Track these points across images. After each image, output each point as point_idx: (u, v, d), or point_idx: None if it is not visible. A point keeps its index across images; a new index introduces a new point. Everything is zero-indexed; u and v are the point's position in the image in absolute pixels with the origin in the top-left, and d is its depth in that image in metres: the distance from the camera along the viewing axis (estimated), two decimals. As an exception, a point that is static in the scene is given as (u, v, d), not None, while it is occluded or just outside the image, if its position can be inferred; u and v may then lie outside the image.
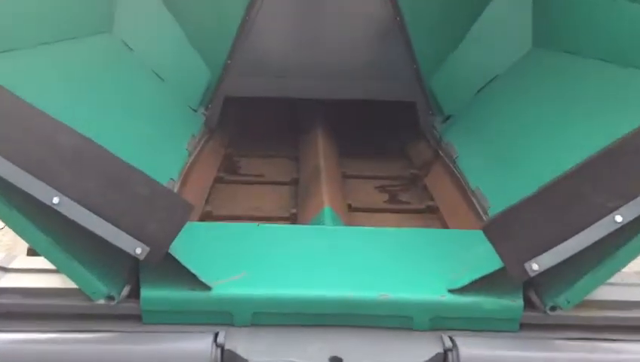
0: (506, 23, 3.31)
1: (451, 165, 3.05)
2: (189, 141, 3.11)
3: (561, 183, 1.70)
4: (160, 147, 2.79)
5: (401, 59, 3.50)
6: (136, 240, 1.64)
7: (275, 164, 3.54)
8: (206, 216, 2.82)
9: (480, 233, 2.19)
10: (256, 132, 3.96)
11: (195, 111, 3.51)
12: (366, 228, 2.39)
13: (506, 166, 2.66)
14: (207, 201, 2.96)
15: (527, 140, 2.67)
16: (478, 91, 3.35)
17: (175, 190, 2.60)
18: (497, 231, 1.72)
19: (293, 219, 2.84)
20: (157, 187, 1.71)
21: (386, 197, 3.21)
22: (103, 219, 1.64)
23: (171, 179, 2.63)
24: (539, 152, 2.53)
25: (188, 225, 1.69)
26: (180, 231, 1.69)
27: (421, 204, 3.10)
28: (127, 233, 1.65)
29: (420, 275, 1.92)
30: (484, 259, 1.85)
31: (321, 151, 3.35)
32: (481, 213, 2.54)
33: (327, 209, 2.50)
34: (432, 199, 3.08)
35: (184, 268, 1.74)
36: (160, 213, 1.68)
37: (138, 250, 1.65)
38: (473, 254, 2.00)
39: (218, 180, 3.25)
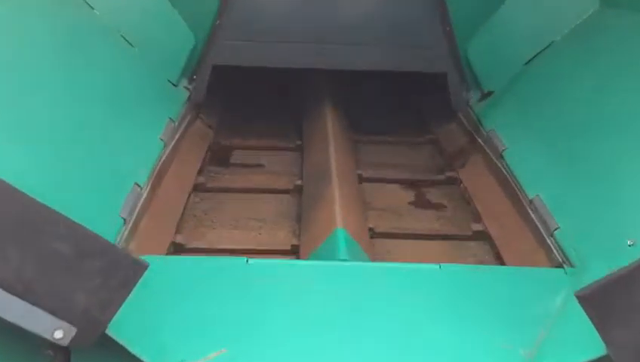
0: (565, -27, 2.89)
1: (496, 161, 2.51)
2: (165, 127, 2.55)
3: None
4: (123, 139, 2.25)
5: (429, 19, 3.04)
6: (55, 319, 1.24)
7: (274, 150, 3.09)
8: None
9: (552, 272, 1.85)
10: (250, 111, 3.49)
11: (176, 85, 3.04)
12: (395, 264, 1.86)
13: (577, 168, 2.12)
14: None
15: (604, 132, 2.13)
16: (528, 62, 2.87)
17: (142, 199, 2.07)
18: (601, 307, 1.25)
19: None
20: (89, 238, 1.26)
21: (411, 196, 2.69)
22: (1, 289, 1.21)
23: (136, 183, 2.09)
24: (625, 150, 1.98)
25: (150, 259, 1.30)
26: (123, 301, 1.26)
27: (457, 209, 2.56)
28: (42, 308, 1.24)
29: (479, 351, 1.43)
30: (567, 321, 1.48)
31: (330, 135, 2.87)
32: (544, 234, 1.98)
33: (339, 231, 1.93)
34: (470, 201, 2.55)
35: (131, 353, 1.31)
36: (93, 277, 1.26)
37: (58, 334, 1.23)
38: (551, 311, 1.55)
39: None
